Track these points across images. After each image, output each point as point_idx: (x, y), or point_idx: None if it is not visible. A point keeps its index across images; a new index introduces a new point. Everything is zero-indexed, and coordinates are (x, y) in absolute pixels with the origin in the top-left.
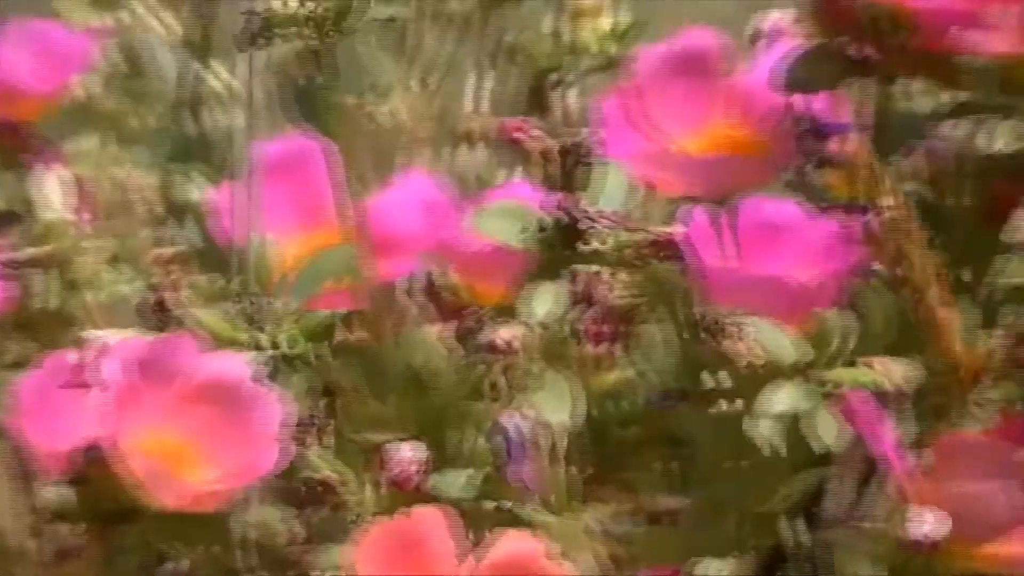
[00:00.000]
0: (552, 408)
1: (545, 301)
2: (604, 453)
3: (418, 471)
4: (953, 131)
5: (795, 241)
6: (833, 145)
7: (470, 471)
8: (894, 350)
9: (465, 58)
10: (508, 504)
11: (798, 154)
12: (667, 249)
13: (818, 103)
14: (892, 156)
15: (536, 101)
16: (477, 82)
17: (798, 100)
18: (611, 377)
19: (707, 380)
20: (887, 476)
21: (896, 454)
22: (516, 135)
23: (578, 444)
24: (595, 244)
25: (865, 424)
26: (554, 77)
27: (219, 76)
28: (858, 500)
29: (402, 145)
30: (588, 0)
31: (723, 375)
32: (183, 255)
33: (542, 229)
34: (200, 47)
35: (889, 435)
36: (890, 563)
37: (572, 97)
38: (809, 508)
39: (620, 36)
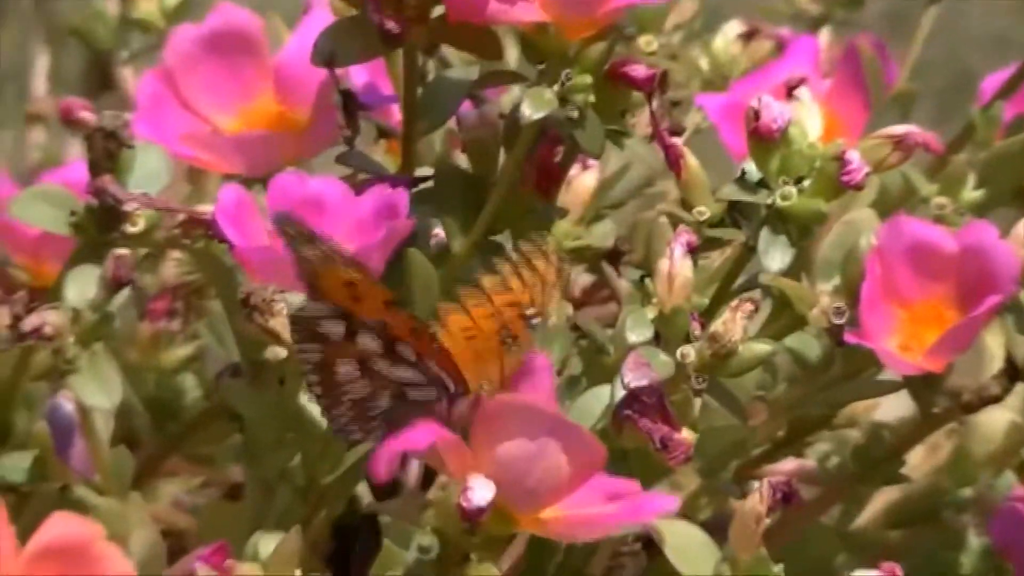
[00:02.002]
0: (90, 390)
1: (78, 284)
2: (171, 429)
3: None
4: (493, 100)
5: (333, 215)
6: (377, 117)
7: (29, 454)
8: None
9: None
10: (59, 486)
11: (343, 127)
12: (208, 228)
13: (360, 75)
14: (434, 126)
15: (103, 81)
16: (50, 63)
17: (340, 73)
18: (177, 353)
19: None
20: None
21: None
22: (76, 116)
23: (142, 422)
24: (127, 227)
25: None
26: (124, 56)
27: None
28: (419, 471)
29: None
30: None
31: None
32: None
33: (73, 213)
34: None
35: None
36: (446, 531)
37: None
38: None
39: (173, 14)
